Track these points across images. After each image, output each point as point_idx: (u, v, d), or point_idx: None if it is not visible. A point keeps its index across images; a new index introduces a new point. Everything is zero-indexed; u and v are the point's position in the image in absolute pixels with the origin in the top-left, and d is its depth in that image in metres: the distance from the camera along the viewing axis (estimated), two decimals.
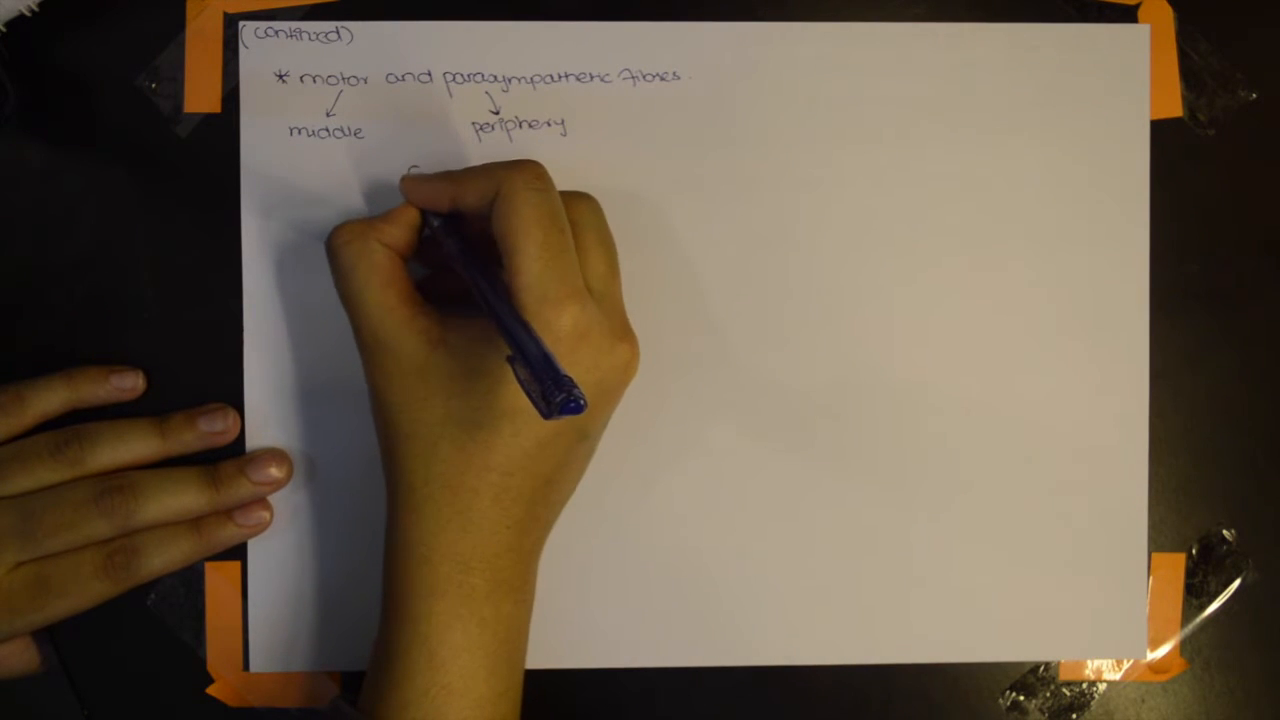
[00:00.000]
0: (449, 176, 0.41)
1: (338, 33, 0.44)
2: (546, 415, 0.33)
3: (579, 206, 0.41)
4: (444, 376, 0.39)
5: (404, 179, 0.42)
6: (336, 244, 0.40)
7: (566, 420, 0.39)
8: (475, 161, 0.44)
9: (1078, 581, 0.45)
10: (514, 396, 0.38)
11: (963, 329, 0.45)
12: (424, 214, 0.42)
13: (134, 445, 0.43)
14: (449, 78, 0.44)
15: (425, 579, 0.39)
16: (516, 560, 0.40)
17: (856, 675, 0.45)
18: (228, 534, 0.43)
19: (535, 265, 0.38)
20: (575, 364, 0.38)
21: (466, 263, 0.40)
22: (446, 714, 0.38)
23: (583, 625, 0.45)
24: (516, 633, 0.41)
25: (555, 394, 0.33)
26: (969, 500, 0.45)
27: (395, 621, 0.39)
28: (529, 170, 0.39)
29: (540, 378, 0.34)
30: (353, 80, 0.44)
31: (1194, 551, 0.46)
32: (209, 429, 0.44)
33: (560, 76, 0.44)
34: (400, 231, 0.41)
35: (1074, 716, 0.46)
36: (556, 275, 0.38)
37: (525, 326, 0.36)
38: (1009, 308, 0.45)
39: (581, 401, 0.33)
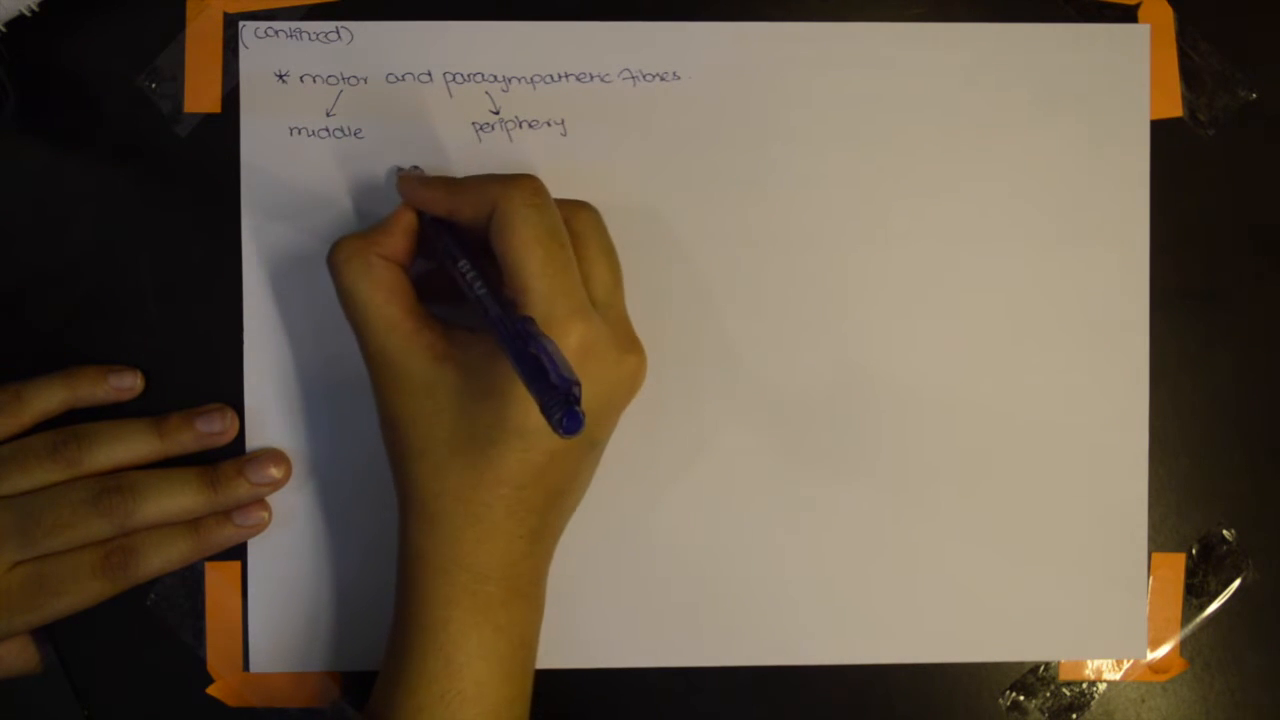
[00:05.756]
0: (447, 187, 0.40)
1: (338, 33, 0.44)
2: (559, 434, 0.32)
3: (579, 216, 0.40)
4: (452, 393, 0.38)
5: (402, 178, 0.42)
6: (336, 261, 0.40)
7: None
8: (476, 162, 0.44)
9: (1078, 581, 0.45)
10: (524, 414, 0.37)
11: (962, 329, 0.45)
12: (420, 214, 0.41)
13: (132, 445, 0.43)
14: (449, 78, 0.44)
15: (441, 588, 0.39)
16: (531, 568, 0.40)
17: (856, 675, 0.45)
18: (226, 534, 0.43)
19: (539, 284, 0.37)
20: (584, 379, 0.38)
21: (463, 271, 0.39)
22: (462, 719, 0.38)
23: (583, 625, 0.45)
24: (529, 638, 0.41)
25: (553, 411, 0.32)
26: (969, 500, 0.45)
27: (411, 629, 0.39)
28: (526, 186, 0.38)
29: (537, 393, 0.33)
30: (353, 80, 0.44)
31: (1194, 551, 0.46)
32: (207, 429, 0.44)
33: (560, 76, 0.44)
34: (398, 240, 0.40)
35: (1074, 716, 0.46)
36: (560, 293, 0.37)
37: (522, 339, 0.35)
38: (1009, 308, 0.45)
39: (579, 411, 0.32)
